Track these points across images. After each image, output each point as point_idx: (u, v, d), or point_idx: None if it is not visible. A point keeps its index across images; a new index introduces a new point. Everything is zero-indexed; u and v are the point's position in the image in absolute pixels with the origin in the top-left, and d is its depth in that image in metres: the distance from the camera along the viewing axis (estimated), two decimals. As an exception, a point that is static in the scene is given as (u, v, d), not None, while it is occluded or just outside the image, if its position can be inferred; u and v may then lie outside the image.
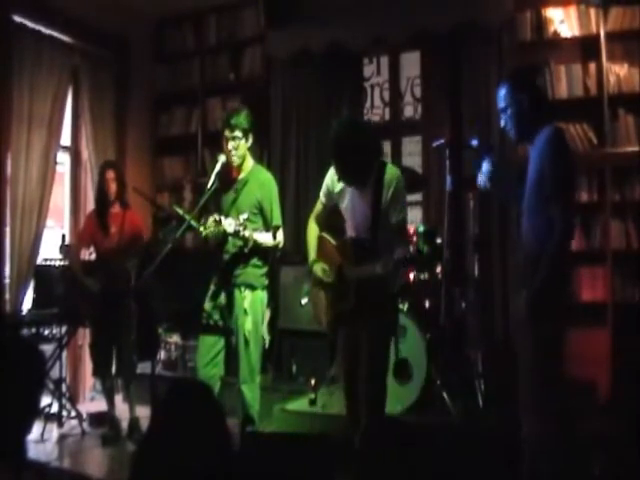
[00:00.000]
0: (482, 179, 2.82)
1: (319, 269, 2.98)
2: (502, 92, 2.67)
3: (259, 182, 3.56)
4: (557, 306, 2.47)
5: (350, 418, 3.00)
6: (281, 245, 3.62)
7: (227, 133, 3.49)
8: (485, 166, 2.79)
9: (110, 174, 4.23)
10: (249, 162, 3.62)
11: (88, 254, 4.36)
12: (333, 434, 3.27)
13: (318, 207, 3.13)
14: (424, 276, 4.25)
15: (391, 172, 2.88)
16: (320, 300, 3.04)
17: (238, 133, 3.48)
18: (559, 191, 2.47)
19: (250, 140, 3.56)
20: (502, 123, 2.71)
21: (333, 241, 3.03)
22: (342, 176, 2.86)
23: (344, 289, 2.87)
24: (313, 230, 3.11)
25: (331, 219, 3.16)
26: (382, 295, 2.88)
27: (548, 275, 2.45)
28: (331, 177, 3.01)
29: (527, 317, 2.54)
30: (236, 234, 3.33)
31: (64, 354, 4.51)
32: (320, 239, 3.06)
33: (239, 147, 3.50)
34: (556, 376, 2.49)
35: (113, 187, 4.22)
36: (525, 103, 2.60)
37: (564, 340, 2.51)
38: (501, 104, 2.67)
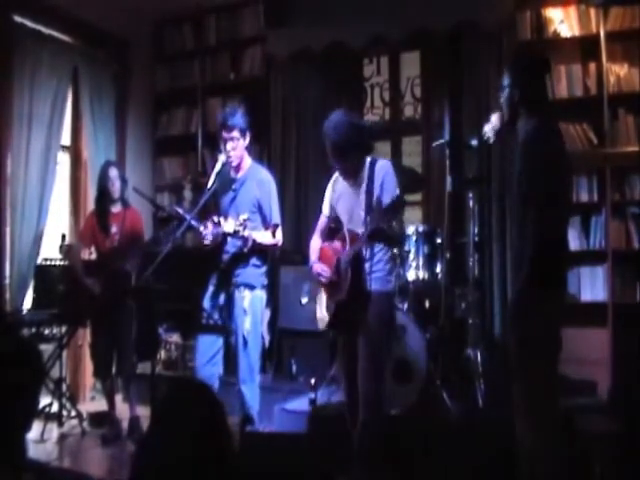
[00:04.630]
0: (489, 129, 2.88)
1: (319, 267, 3.10)
2: (505, 74, 2.70)
3: (257, 181, 3.56)
4: (542, 306, 2.46)
5: (350, 416, 3.02)
6: (280, 244, 3.62)
7: (224, 134, 3.49)
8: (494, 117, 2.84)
9: (113, 172, 4.23)
10: (247, 161, 3.63)
11: (88, 254, 4.35)
12: (333, 434, 3.27)
13: (321, 221, 3.26)
14: (424, 276, 4.25)
15: (380, 164, 3.00)
16: (321, 300, 3.11)
17: (236, 134, 3.48)
18: (534, 190, 2.46)
19: (247, 139, 3.56)
20: (500, 100, 2.74)
21: (331, 244, 3.14)
22: (335, 160, 2.99)
23: (340, 281, 2.97)
24: (316, 244, 3.23)
25: (332, 232, 3.28)
26: (377, 297, 2.93)
27: (528, 276, 2.44)
28: (329, 187, 3.19)
29: (512, 317, 2.55)
30: (235, 234, 3.33)
31: (64, 354, 4.51)
32: (322, 248, 3.20)
33: (237, 147, 3.50)
34: (544, 376, 2.49)
35: (117, 185, 4.22)
36: (516, 95, 2.61)
37: (553, 340, 2.50)
38: (502, 82, 2.70)
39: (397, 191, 2.89)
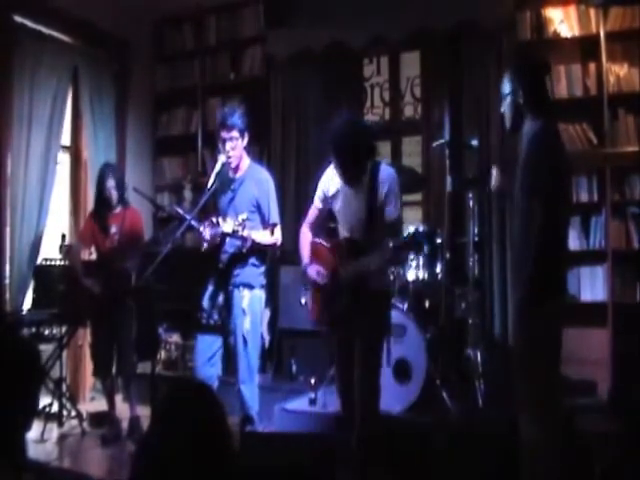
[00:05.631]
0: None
1: (313, 271, 3.01)
2: (506, 78, 2.70)
3: (256, 180, 3.57)
4: (546, 305, 2.46)
5: (346, 417, 3.02)
6: (279, 243, 3.62)
7: (224, 134, 3.49)
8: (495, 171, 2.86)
9: (111, 182, 4.19)
10: (246, 161, 3.63)
11: (88, 254, 4.36)
12: (333, 434, 3.27)
13: (312, 213, 3.15)
14: (424, 276, 4.25)
15: (386, 171, 2.90)
16: (316, 302, 3.07)
17: (235, 133, 3.48)
18: (538, 189, 2.47)
19: (246, 139, 3.55)
20: (502, 108, 2.74)
21: (326, 244, 3.07)
22: (340, 170, 2.88)
23: (337, 291, 2.90)
24: (306, 237, 3.14)
25: (325, 224, 3.23)
26: (375, 297, 2.91)
27: (530, 278, 2.45)
28: (325, 181, 3.05)
29: (517, 317, 2.56)
30: (234, 234, 3.32)
31: (64, 354, 4.51)
32: (313, 244, 3.10)
33: (236, 147, 3.50)
34: (549, 375, 2.49)
35: (114, 194, 4.20)
36: (521, 97, 2.61)
37: (556, 339, 2.51)
38: (504, 89, 2.70)
39: (398, 212, 2.85)
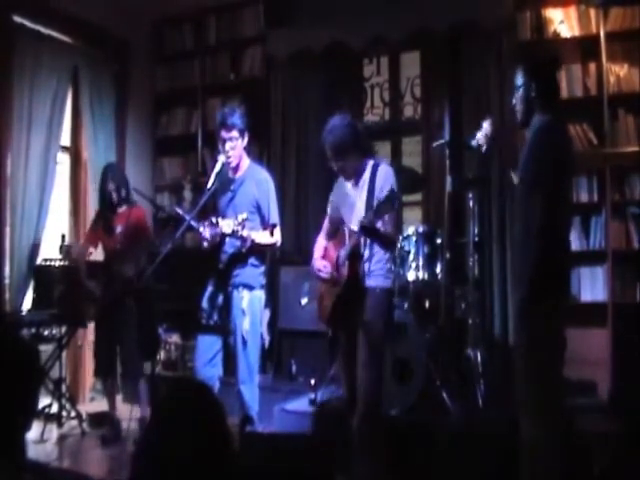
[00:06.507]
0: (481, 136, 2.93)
1: (319, 264, 3.16)
2: (519, 72, 2.71)
3: (256, 181, 3.57)
4: (547, 305, 2.46)
5: (350, 411, 3.06)
6: (279, 244, 3.63)
7: (224, 134, 3.48)
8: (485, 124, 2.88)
9: (111, 185, 4.21)
10: (245, 161, 3.62)
11: (88, 254, 4.35)
12: (333, 434, 3.27)
13: (325, 222, 3.33)
14: (424, 276, 4.25)
15: (382, 168, 3.08)
16: (322, 295, 3.17)
17: (235, 133, 3.47)
18: (540, 182, 2.47)
19: (246, 139, 3.55)
20: (513, 101, 2.75)
21: (333, 243, 3.19)
22: (334, 165, 3.09)
23: (339, 276, 3.05)
24: (321, 241, 3.29)
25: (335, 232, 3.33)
26: (373, 294, 3.00)
27: (532, 276, 2.45)
28: (334, 190, 3.28)
29: (518, 316, 2.56)
30: (234, 234, 3.32)
31: (64, 354, 4.50)
32: (326, 247, 3.25)
33: (236, 147, 3.50)
34: (550, 376, 2.49)
35: (114, 196, 4.21)
36: (533, 91, 2.62)
37: (558, 339, 2.51)
38: (517, 81, 2.71)
39: (393, 187, 2.93)
